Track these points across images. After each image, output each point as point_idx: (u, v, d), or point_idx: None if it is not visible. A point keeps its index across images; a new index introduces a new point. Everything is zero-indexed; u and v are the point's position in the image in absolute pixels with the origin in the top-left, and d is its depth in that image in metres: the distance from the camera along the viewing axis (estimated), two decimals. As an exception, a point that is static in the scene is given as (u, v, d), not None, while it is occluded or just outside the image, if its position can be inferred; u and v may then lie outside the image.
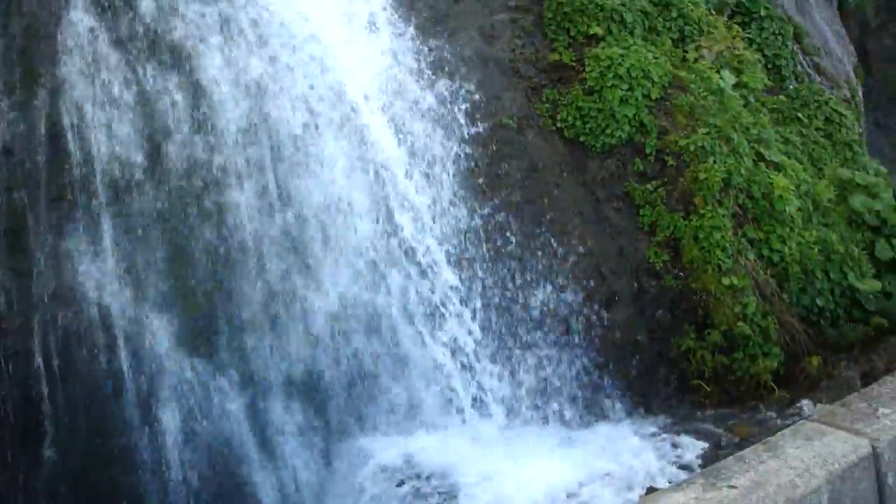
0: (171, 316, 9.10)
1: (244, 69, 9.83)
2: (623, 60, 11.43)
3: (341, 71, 10.20)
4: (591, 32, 11.97)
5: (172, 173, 9.41)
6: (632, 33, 12.24)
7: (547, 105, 11.57)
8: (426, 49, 11.27)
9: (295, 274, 9.53)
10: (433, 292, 9.56)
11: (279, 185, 9.72)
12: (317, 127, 10.01)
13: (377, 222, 9.77)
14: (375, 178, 9.85)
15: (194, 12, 9.91)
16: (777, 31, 16.38)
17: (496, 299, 9.95)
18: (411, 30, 11.34)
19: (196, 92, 9.68)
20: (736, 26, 14.76)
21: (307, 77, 10.06)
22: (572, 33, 12.10)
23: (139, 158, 9.34)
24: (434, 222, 9.91)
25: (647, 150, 11.12)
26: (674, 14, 13.20)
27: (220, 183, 9.51)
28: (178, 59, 9.75)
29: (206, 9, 9.97)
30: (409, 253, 9.63)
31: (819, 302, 12.74)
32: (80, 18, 9.46)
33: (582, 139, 11.28)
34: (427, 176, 10.13)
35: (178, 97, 9.56)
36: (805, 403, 9.75)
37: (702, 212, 10.66)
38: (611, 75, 11.32)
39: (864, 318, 13.58)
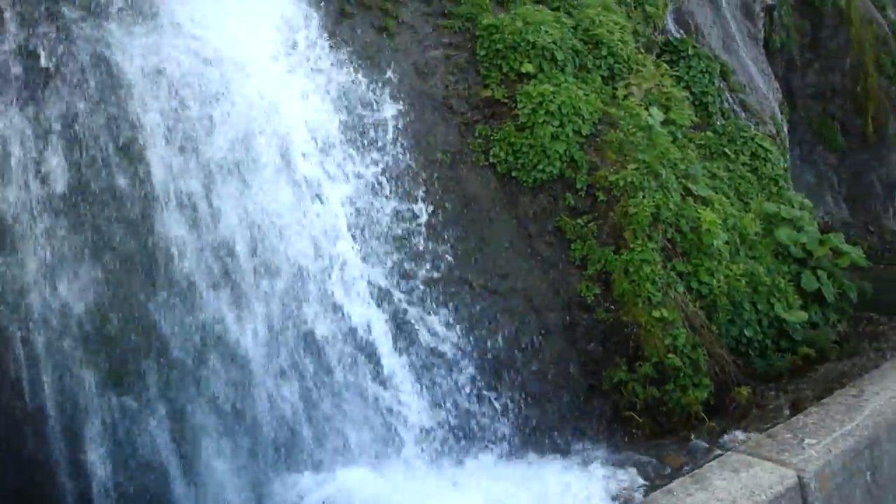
0: (97, 351, 8.84)
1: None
2: (554, 97, 11.64)
3: (270, 108, 10.12)
4: (523, 70, 12.17)
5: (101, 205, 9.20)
6: (563, 71, 12.48)
7: (480, 141, 11.69)
8: (360, 84, 11.26)
9: (225, 309, 9.35)
10: (363, 328, 9.48)
11: (211, 219, 9.56)
12: (253, 162, 9.89)
13: (309, 258, 9.67)
14: (305, 214, 9.75)
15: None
16: (704, 69, 16.92)
17: (427, 334, 9.90)
18: (345, 65, 11.34)
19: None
20: (664, 64, 15.21)
21: (237, 114, 9.95)
22: (505, 70, 12.29)
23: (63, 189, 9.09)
24: (365, 261, 9.86)
25: (578, 186, 11.28)
26: (604, 52, 13.51)
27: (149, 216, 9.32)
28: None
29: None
30: (340, 289, 9.55)
31: (747, 333, 13.05)
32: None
33: (514, 174, 11.42)
34: (358, 211, 10.09)
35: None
36: (734, 434, 9.92)
37: (632, 246, 10.82)
38: (542, 112, 11.51)
39: (791, 348, 13.95)
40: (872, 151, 30.60)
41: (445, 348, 9.92)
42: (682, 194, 11.92)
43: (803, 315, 13.93)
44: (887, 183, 30.22)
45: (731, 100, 17.66)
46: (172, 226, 9.19)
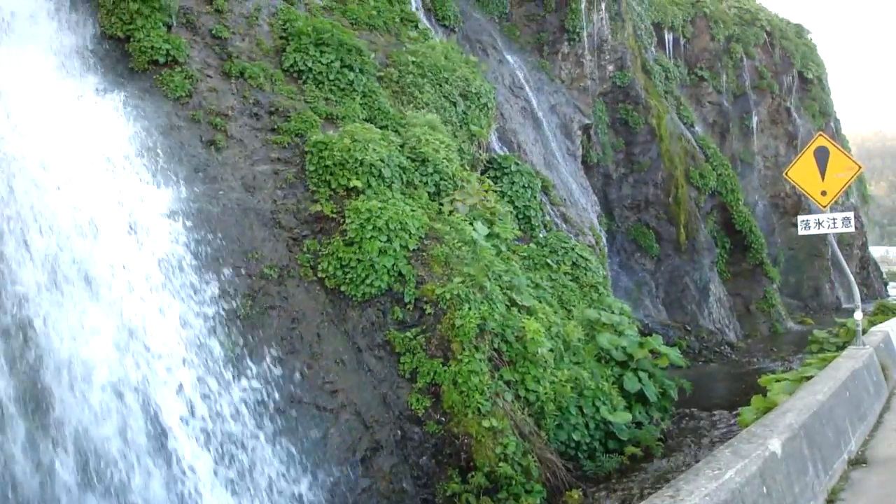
0: None
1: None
2: (382, 213, 11.90)
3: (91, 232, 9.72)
4: (352, 185, 12.42)
5: None
6: (390, 187, 12.83)
7: (308, 256, 11.71)
8: (185, 200, 11.07)
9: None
10: (180, 457, 8.97)
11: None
12: (63, 280, 9.37)
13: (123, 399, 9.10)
14: (127, 349, 9.25)
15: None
16: (527, 185, 17.94)
17: (252, 455, 9.50)
18: (171, 180, 11.15)
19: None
20: (488, 180, 15.97)
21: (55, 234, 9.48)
22: (333, 186, 12.52)
23: None
24: (195, 386, 9.44)
25: (406, 299, 11.44)
26: (430, 169, 14.10)
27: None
28: None
29: None
30: (163, 428, 9.03)
31: (575, 436, 13.46)
32: None
33: (343, 289, 11.46)
34: (183, 337, 9.69)
35: None
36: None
37: (460, 357, 10.97)
38: (370, 227, 11.71)
39: (618, 448, 14.49)
40: (686, 257, 33.10)
41: (271, 470, 9.53)
42: (507, 305, 12.31)
43: (628, 415, 14.55)
44: (701, 286, 32.62)
45: (552, 213, 18.73)
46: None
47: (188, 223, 10.87)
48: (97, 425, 8.48)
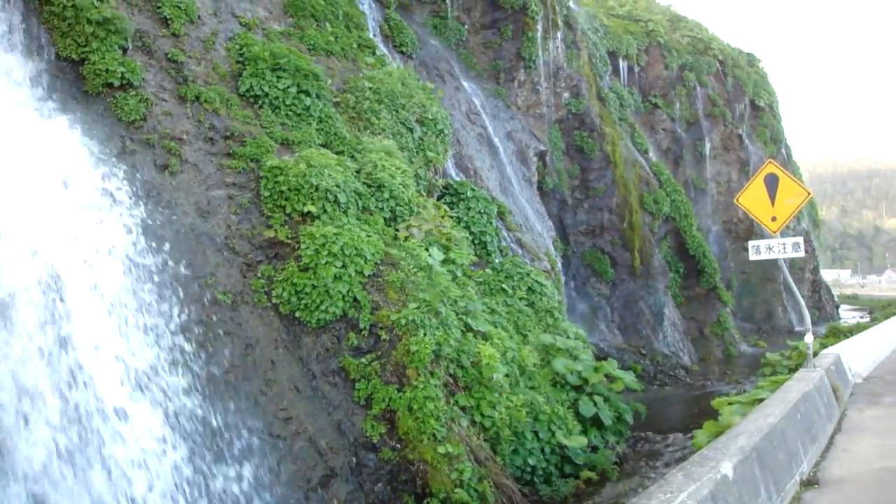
0: None
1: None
2: (337, 238, 11.87)
3: (44, 251, 9.56)
4: (307, 210, 12.37)
5: None
6: (346, 213, 12.80)
7: (262, 281, 11.62)
8: (138, 224, 10.93)
9: None
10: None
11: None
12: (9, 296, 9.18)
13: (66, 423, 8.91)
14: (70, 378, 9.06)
15: None
16: (483, 210, 18.06)
17: (208, 485, 9.35)
18: (124, 204, 11.02)
19: None
20: (444, 206, 16.04)
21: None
22: (288, 211, 12.45)
23: None
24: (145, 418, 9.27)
25: (361, 325, 11.39)
26: (386, 195, 14.12)
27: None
28: None
29: None
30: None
31: (531, 461, 13.47)
32: None
33: (297, 315, 11.38)
34: (131, 368, 9.53)
35: None
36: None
37: (415, 383, 10.93)
38: (325, 253, 11.67)
39: (574, 472, 14.52)
40: (641, 282, 33.51)
41: (226, 499, 9.39)
42: (462, 330, 12.34)
43: (583, 440, 14.61)
44: (655, 310, 33.02)
45: (508, 238, 18.87)
46: None
47: (139, 246, 10.74)
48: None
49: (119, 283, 10.27)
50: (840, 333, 26.32)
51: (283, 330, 11.27)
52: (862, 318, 54.13)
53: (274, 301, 11.44)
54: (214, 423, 10.00)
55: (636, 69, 47.18)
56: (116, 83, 12.47)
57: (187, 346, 10.27)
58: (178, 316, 10.44)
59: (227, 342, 10.68)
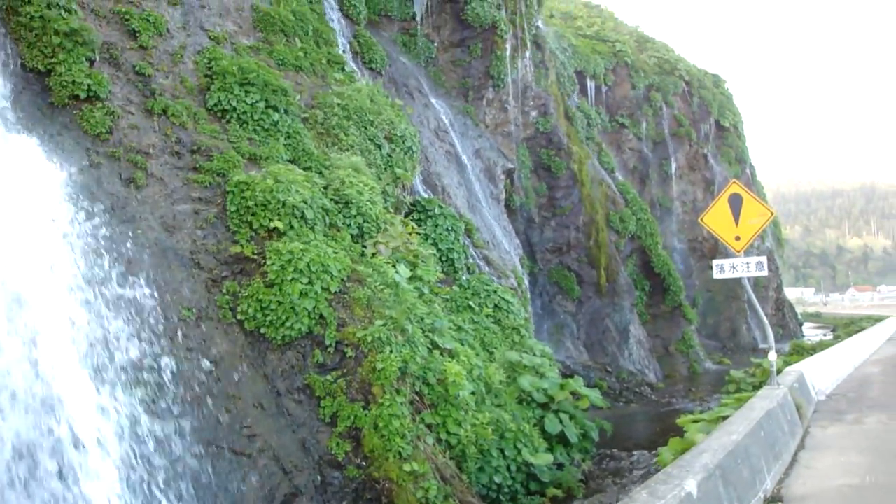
0: None
1: None
2: (303, 255, 11.80)
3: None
4: (273, 226, 12.30)
5: None
6: (313, 229, 12.75)
7: (227, 297, 11.50)
8: (101, 239, 10.77)
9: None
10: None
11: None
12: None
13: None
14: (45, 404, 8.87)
15: None
16: (450, 227, 18.09)
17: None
18: (88, 219, 10.85)
19: None
20: (412, 223, 16.04)
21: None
22: (255, 226, 12.36)
23: None
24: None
25: (327, 342, 11.31)
26: (353, 212, 14.08)
27: None
28: None
29: None
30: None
31: (497, 479, 13.45)
32: None
33: (263, 331, 11.28)
34: (99, 390, 9.36)
35: None
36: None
37: (381, 401, 10.87)
38: (291, 269, 11.59)
39: (540, 490, 14.54)
40: (607, 299, 33.77)
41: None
42: (428, 348, 12.32)
43: (549, 457, 14.64)
44: (621, 328, 33.29)
45: (475, 255, 18.92)
46: None
47: (101, 260, 10.57)
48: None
49: (78, 297, 10.11)
50: (803, 351, 26.74)
51: (248, 346, 11.16)
52: (825, 335, 55.10)
53: (239, 317, 11.33)
54: (174, 442, 9.86)
55: (604, 89, 47.77)
56: (83, 95, 12.32)
57: (149, 362, 10.13)
58: (139, 332, 10.30)
59: (191, 359, 10.55)
